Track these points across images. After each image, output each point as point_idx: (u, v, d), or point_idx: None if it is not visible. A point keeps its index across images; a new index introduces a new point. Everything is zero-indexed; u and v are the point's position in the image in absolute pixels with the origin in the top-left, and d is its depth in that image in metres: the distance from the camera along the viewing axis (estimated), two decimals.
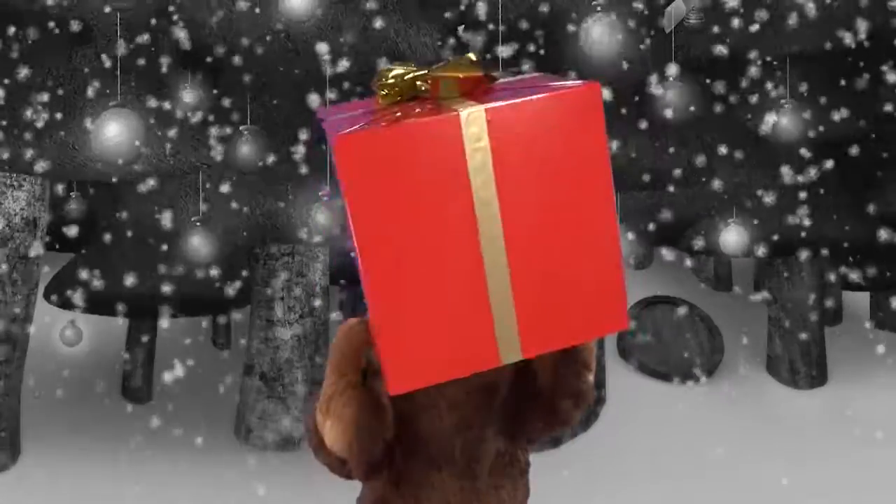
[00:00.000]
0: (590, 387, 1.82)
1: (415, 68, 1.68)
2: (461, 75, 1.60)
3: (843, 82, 7.13)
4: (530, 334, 1.55)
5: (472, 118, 1.47)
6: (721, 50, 6.31)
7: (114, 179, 6.66)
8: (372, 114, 1.61)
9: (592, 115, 1.52)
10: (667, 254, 9.90)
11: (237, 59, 5.71)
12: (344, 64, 5.59)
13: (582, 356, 1.80)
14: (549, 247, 1.53)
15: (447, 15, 5.74)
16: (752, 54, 6.43)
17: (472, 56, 1.67)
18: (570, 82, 1.59)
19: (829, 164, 7.68)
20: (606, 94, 6.54)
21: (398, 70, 1.66)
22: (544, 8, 5.64)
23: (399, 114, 1.55)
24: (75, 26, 5.39)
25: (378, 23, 5.44)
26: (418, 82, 1.66)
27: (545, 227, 1.52)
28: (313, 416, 1.79)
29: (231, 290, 7.32)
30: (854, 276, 9.53)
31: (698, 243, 8.70)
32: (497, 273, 1.52)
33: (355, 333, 1.67)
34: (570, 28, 5.69)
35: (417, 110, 1.55)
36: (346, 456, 1.73)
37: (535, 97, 1.50)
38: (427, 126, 1.46)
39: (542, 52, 5.87)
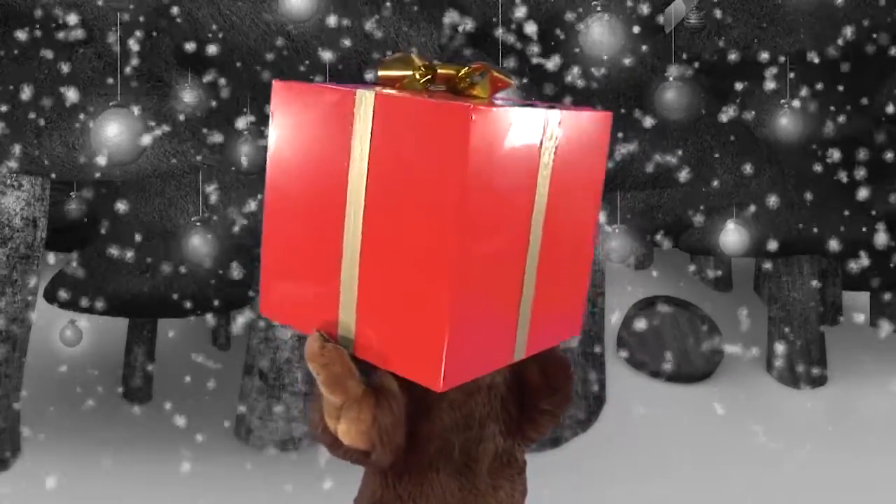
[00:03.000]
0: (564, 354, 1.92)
1: (423, 60, 1.69)
2: (499, 78, 1.64)
3: (844, 82, 7.13)
4: (532, 337, 1.66)
5: (552, 118, 1.52)
6: (721, 49, 6.31)
7: (114, 179, 6.66)
8: (417, 92, 1.58)
9: (606, 136, 1.69)
10: (667, 253, 9.90)
11: (237, 59, 5.71)
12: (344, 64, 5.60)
13: None
14: (561, 253, 1.63)
15: (447, 14, 5.74)
16: (753, 54, 6.43)
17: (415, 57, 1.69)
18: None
19: (830, 164, 7.68)
20: (606, 91, 6.55)
21: (418, 60, 1.67)
22: (544, 7, 5.64)
23: (456, 97, 1.57)
24: (75, 26, 5.39)
25: (378, 22, 5.44)
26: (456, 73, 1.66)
27: (563, 232, 1.62)
28: (320, 415, 1.77)
29: (231, 289, 7.31)
30: (854, 276, 9.53)
31: (698, 243, 8.70)
32: (529, 281, 1.60)
33: (331, 350, 1.65)
34: (571, 28, 5.69)
35: (473, 99, 1.56)
36: (369, 449, 1.73)
37: (584, 111, 1.63)
38: (525, 115, 1.48)
39: (542, 51, 5.87)
